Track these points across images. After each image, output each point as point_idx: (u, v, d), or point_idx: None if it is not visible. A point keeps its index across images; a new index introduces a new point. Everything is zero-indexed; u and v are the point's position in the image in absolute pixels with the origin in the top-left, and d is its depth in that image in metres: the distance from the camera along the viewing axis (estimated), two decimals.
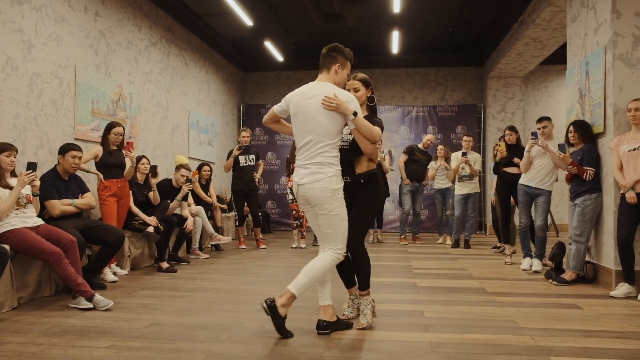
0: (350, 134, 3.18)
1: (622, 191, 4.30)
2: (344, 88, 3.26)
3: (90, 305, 3.59)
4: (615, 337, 3.06)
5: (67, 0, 5.24)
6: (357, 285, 3.36)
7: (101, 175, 4.83)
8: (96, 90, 5.67)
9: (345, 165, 3.18)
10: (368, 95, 3.40)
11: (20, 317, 3.39)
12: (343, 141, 3.23)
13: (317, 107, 3.05)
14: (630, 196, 4.19)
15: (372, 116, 3.34)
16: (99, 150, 4.88)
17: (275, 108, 3.25)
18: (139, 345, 2.82)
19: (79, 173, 4.62)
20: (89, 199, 4.49)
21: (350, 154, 3.26)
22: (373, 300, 3.33)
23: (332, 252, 3.07)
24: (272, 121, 3.31)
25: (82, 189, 4.51)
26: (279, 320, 2.94)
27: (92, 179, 5.19)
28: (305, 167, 3.06)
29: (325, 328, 3.06)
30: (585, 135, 4.87)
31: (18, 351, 2.70)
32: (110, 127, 4.94)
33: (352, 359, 2.64)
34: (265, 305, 2.92)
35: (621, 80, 4.54)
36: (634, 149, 4.25)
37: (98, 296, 3.63)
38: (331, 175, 3.01)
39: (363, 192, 3.25)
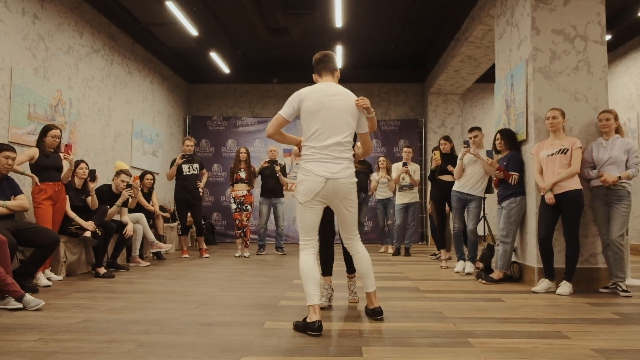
0: None
1: (542, 193, 4.64)
2: None
3: (20, 306, 3.51)
4: (530, 322, 3.30)
5: (3, 2, 5.16)
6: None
7: (36, 178, 4.74)
8: (33, 94, 5.57)
9: None
10: None
11: None
12: None
13: (345, 106, 3.24)
14: (549, 197, 4.53)
15: None
16: (34, 152, 4.79)
17: (283, 113, 3.19)
18: (69, 337, 2.80)
19: (12, 175, 4.52)
20: (21, 201, 4.39)
21: None
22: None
23: (359, 238, 3.41)
24: (279, 129, 3.23)
25: (15, 190, 4.41)
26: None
27: (27, 183, 5.07)
28: (337, 163, 3.17)
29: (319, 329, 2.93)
30: (510, 142, 5.21)
31: None
32: (47, 129, 4.87)
33: (283, 344, 2.73)
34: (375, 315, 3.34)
35: (540, 91, 4.93)
36: (552, 154, 4.60)
37: (28, 296, 3.56)
38: (355, 171, 3.30)
39: None
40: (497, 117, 5.86)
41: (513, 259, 5.25)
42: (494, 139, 5.36)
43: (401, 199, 7.90)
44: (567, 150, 4.55)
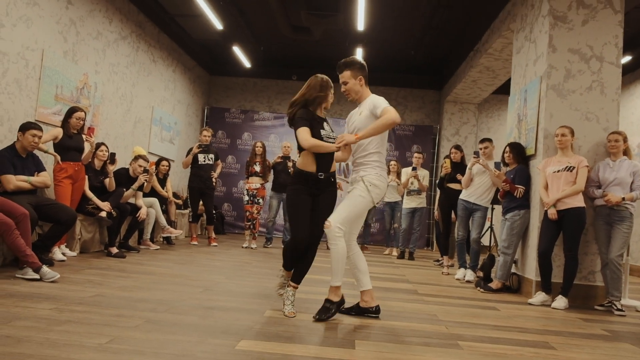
0: (333, 131, 3.56)
1: (545, 208, 4.74)
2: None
3: (37, 276, 3.72)
4: (520, 331, 3.42)
5: None
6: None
7: (58, 157, 4.94)
8: (61, 76, 5.78)
9: (326, 162, 3.41)
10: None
11: None
12: (330, 138, 3.46)
13: None
14: (552, 212, 4.62)
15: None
16: (59, 132, 5.00)
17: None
18: (82, 309, 2.99)
19: (36, 153, 4.73)
20: (44, 178, 4.60)
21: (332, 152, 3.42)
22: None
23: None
24: None
25: (39, 167, 4.62)
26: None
27: (49, 161, 5.29)
28: None
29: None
30: (519, 156, 5.31)
31: None
32: (72, 111, 5.08)
33: (281, 332, 2.89)
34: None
35: (552, 108, 5.02)
36: (558, 171, 4.70)
37: (45, 268, 3.76)
38: None
39: (331, 190, 3.49)
40: (509, 130, 5.95)
41: (513, 270, 5.35)
42: (503, 152, 5.46)
43: (408, 203, 8.02)
44: (574, 168, 4.64)
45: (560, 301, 4.52)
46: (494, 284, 5.18)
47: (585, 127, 4.97)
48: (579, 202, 4.60)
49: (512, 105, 5.96)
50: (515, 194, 5.13)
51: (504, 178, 5.24)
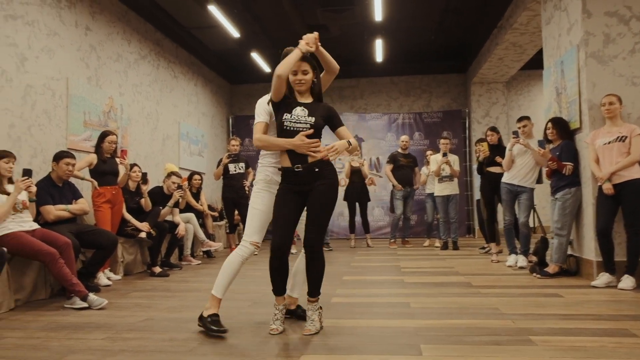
0: (310, 116, 2.92)
1: (599, 183, 4.47)
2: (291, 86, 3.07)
3: (85, 305, 3.68)
4: (593, 319, 3.19)
5: (59, 16, 5.38)
6: (287, 292, 3.21)
7: (95, 182, 4.93)
8: (88, 102, 5.79)
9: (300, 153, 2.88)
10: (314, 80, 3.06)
11: (18, 317, 3.48)
12: (300, 122, 2.89)
13: None
14: (607, 187, 4.36)
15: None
16: (93, 158, 4.99)
17: None
18: (133, 336, 2.92)
19: (72, 180, 4.72)
20: (82, 205, 4.58)
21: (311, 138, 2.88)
22: (321, 308, 3.04)
23: (243, 243, 3.12)
24: None
25: (76, 195, 4.61)
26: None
27: (86, 187, 5.29)
28: None
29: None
30: (562, 131, 5.04)
31: (17, 344, 2.78)
32: (104, 135, 5.06)
33: (341, 342, 2.75)
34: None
35: (594, 77, 4.74)
36: (609, 142, 4.42)
37: (92, 296, 3.72)
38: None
39: (319, 184, 2.89)
40: (547, 105, 5.68)
41: (569, 252, 5.08)
42: (545, 128, 5.19)
43: (441, 190, 7.76)
44: (626, 137, 4.36)
45: (627, 281, 4.24)
46: (551, 268, 4.93)
47: (632, 93, 4.67)
48: (636, 173, 4.31)
49: (547, 79, 5.69)
50: (563, 172, 4.88)
51: (550, 156, 4.98)
